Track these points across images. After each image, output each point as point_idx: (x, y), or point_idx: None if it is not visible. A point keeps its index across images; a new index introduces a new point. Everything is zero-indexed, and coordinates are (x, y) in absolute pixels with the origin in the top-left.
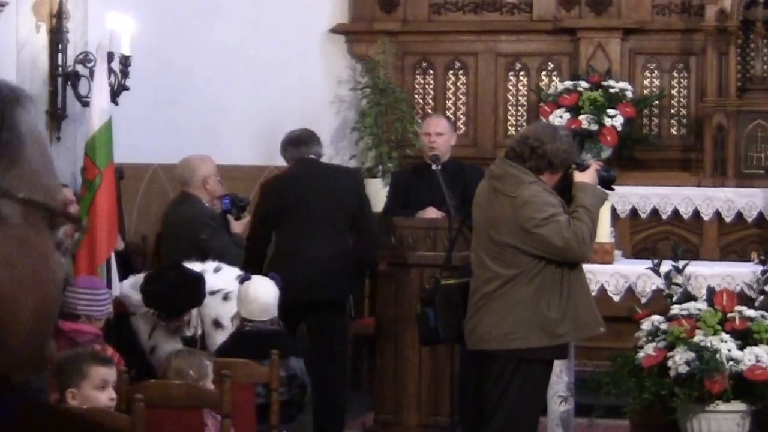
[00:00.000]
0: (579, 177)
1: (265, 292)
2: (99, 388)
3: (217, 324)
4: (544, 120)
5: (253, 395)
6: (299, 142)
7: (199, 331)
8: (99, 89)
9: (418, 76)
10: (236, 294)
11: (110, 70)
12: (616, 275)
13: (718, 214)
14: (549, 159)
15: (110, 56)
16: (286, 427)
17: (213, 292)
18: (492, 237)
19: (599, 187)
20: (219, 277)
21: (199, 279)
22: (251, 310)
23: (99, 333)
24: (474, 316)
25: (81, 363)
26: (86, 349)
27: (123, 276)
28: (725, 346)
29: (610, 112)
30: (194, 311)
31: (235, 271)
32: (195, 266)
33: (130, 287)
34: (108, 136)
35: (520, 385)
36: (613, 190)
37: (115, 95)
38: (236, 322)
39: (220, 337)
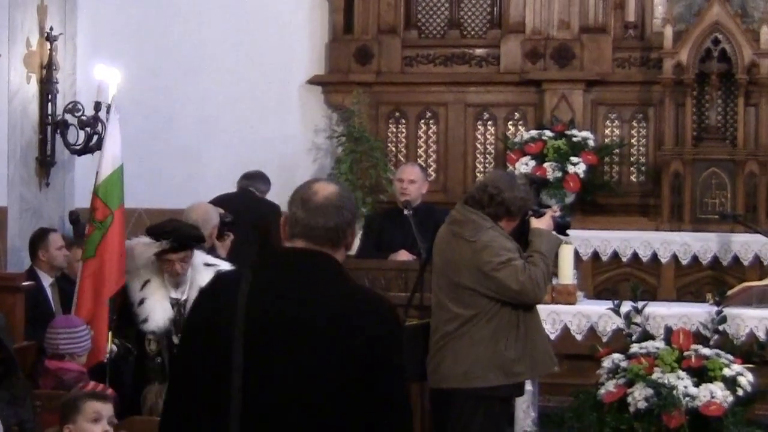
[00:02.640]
0: (535, 223)
1: None
2: (92, 421)
3: None
4: (510, 167)
5: None
6: (247, 177)
7: (184, 297)
8: (112, 137)
9: (391, 125)
10: None
11: (98, 119)
12: (578, 315)
13: (675, 257)
14: (507, 206)
15: (97, 106)
16: None
17: (208, 264)
18: (451, 279)
19: (554, 232)
20: (216, 259)
21: (199, 235)
22: None
23: (83, 370)
24: (435, 355)
25: (77, 400)
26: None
27: None
28: (682, 383)
29: (573, 159)
30: (189, 274)
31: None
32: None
33: (134, 240)
34: (120, 180)
35: (481, 422)
36: (567, 236)
37: (101, 143)
38: None
39: None
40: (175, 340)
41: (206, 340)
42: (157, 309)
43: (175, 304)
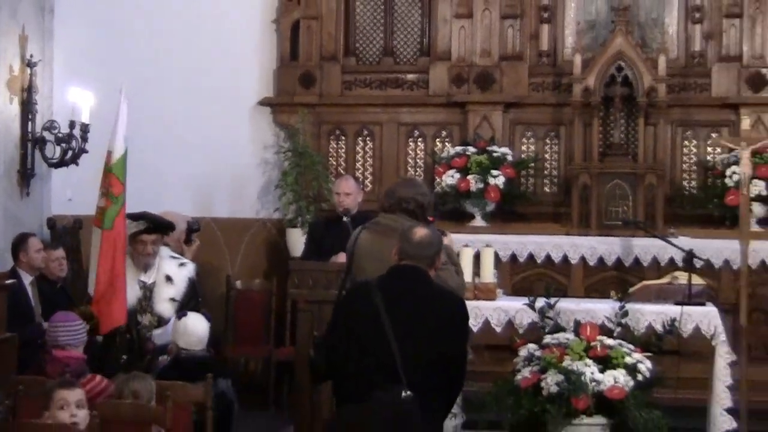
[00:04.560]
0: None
1: (199, 327)
2: (60, 408)
3: (168, 279)
4: (438, 179)
5: (190, 412)
6: None
7: (151, 280)
8: (122, 124)
9: (332, 142)
10: (182, 289)
11: (72, 136)
12: (498, 310)
13: (583, 259)
14: (427, 210)
15: (72, 124)
16: None
17: (173, 257)
18: None
19: None
20: (180, 257)
21: (170, 223)
22: (188, 341)
23: (83, 357)
24: None
25: (50, 390)
26: (58, 379)
27: None
28: (589, 369)
29: (494, 172)
30: (156, 263)
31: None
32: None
33: None
34: (126, 161)
35: None
36: None
37: (75, 157)
38: (174, 348)
39: (166, 290)
40: (139, 318)
41: (360, 320)
42: (130, 290)
43: (143, 286)
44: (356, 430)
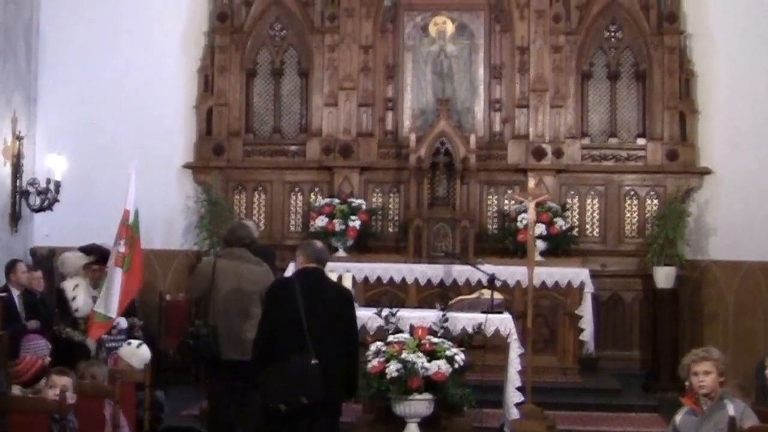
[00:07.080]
0: None
1: (134, 357)
2: (49, 387)
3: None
4: (312, 222)
5: (134, 390)
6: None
7: (99, 294)
8: (132, 190)
9: (236, 195)
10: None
11: (48, 190)
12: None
13: (416, 280)
14: (255, 243)
15: (48, 181)
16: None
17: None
18: (251, 290)
19: None
20: None
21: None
22: (132, 362)
23: (40, 365)
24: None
25: (48, 373)
26: (57, 367)
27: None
28: (420, 360)
29: (352, 217)
30: (102, 281)
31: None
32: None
33: (66, 257)
34: (138, 219)
35: None
36: None
37: (50, 205)
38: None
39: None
40: None
41: (283, 309)
42: (85, 302)
43: (95, 298)
44: (278, 381)
